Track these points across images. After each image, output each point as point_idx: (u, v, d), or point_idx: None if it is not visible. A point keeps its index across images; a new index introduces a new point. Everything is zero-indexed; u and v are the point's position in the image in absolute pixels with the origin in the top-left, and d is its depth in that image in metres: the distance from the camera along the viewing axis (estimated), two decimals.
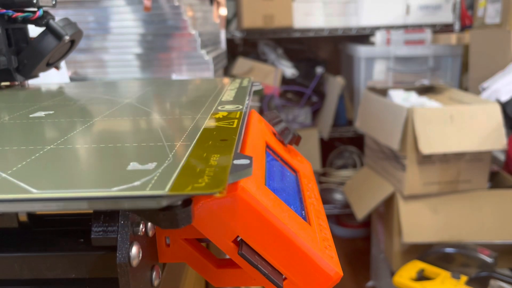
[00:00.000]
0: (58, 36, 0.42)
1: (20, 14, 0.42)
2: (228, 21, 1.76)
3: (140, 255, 0.19)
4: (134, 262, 0.19)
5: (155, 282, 0.21)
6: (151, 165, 0.18)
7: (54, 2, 0.44)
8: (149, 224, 0.21)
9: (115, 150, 0.21)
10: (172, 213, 0.16)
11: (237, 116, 0.27)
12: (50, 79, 0.57)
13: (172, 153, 0.20)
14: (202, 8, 0.95)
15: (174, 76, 0.81)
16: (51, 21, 0.42)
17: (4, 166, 0.19)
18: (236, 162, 0.19)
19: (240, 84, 0.41)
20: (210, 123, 0.26)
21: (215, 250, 0.32)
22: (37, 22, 0.42)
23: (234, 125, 0.25)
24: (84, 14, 0.79)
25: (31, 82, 0.47)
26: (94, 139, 0.24)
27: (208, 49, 0.86)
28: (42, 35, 0.43)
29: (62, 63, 0.63)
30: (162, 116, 0.29)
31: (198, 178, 0.16)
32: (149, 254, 0.21)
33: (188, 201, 0.17)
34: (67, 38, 0.43)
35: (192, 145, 0.21)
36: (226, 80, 0.45)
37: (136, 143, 0.22)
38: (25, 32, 0.45)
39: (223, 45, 1.16)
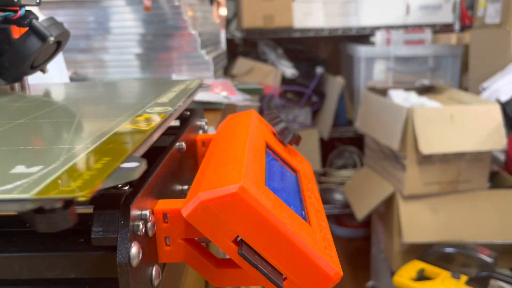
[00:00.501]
0: (42, 37, 0.39)
1: (0, 14, 0.39)
2: (228, 21, 1.76)
3: (140, 255, 0.19)
4: (134, 262, 0.19)
5: (155, 282, 0.21)
6: (35, 169, 0.18)
7: (38, 1, 0.41)
8: (149, 224, 0.21)
9: (13, 153, 0.21)
10: (47, 217, 0.16)
11: (160, 117, 0.27)
12: (50, 79, 0.57)
13: (65, 157, 0.20)
14: (202, 8, 0.95)
15: (174, 76, 0.81)
16: (34, 21, 0.39)
17: None
18: (123, 165, 0.18)
19: (187, 85, 0.40)
20: (125, 125, 0.25)
21: (215, 250, 0.32)
22: (19, 22, 0.39)
23: (148, 128, 0.24)
24: (84, 14, 0.79)
25: (31, 82, 0.47)
26: (2, 142, 0.23)
27: (208, 49, 0.86)
28: (24, 36, 0.40)
29: (62, 63, 0.62)
30: (85, 119, 0.29)
31: (72, 181, 0.16)
32: (149, 254, 0.21)
33: (68, 204, 0.17)
34: (51, 39, 0.40)
35: (91, 148, 0.21)
36: (173, 81, 0.43)
37: (38, 146, 0.22)
38: (7, 33, 0.42)
39: (223, 45, 1.17)
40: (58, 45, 0.45)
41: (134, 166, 0.18)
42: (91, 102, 0.36)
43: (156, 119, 0.27)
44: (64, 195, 0.15)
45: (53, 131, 0.26)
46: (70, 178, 0.17)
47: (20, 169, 0.18)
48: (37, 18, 0.40)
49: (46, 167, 0.18)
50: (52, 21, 0.41)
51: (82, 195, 0.15)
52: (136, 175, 0.18)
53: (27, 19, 0.39)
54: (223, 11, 1.14)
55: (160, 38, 0.80)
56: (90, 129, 0.26)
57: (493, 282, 0.96)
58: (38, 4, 0.42)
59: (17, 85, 0.45)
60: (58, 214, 0.16)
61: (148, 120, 0.27)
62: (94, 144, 0.22)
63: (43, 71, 0.46)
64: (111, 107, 0.33)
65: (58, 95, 0.42)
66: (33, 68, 0.44)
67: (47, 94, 0.42)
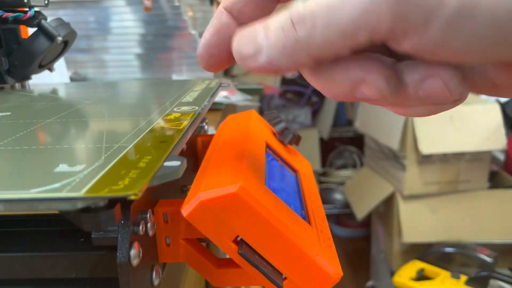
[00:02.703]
0: (51, 37, 0.41)
1: (10, 14, 0.40)
2: None
3: (141, 255, 0.19)
4: (135, 262, 0.19)
5: (155, 282, 0.21)
6: (79, 167, 0.18)
7: (46, 2, 0.43)
8: (149, 223, 0.21)
9: (52, 152, 0.21)
10: (93, 215, 0.16)
11: (189, 117, 0.27)
12: (51, 79, 0.58)
13: (106, 155, 0.20)
14: (202, 8, 0.95)
15: (174, 76, 0.81)
16: (43, 22, 0.41)
17: None
18: (166, 164, 0.18)
19: (207, 85, 0.40)
20: (158, 124, 0.26)
21: (215, 250, 0.32)
22: (28, 23, 0.41)
23: (181, 127, 0.25)
24: (84, 14, 0.79)
25: (31, 82, 0.47)
26: (36, 141, 0.24)
27: None
28: (33, 36, 0.41)
29: (62, 64, 0.63)
30: (114, 118, 0.29)
31: (119, 180, 0.16)
32: (149, 254, 0.21)
33: (113, 203, 0.17)
34: (59, 39, 0.41)
35: (129, 147, 0.21)
36: (193, 82, 0.44)
37: (76, 145, 0.22)
38: (16, 32, 0.43)
39: None
40: (65, 45, 0.46)
41: (177, 165, 0.18)
42: (114, 101, 0.36)
43: (187, 118, 0.27)
44: (115, 193, 0.15)
45: (86, 129, 0.26)
46: (117, 176, 0.17)
47: (63, 167, 0.18)
48: (45, 18, 0.42)
49: (89, 165, 0.18)
50: (60, 21, 0.43)
51: (134, 194, 0.15)
52: (179, 174, 0.18)
53: (36, 20, 0.41)
54: None
55: (160, 38, 0.80)
56: (122, 128, 0.26)
57: (492, 282, 0.96)
58: (46, 5, 0.43)
59: (17, 85, 0.45)
60: (104, 213, 0.16)
61: (178, 119, 0.27)
62: (131, 143, 0.22)
63: (51, 69, 0.48)
64: (136, 106, 0.34)
65: (76, 94, 0.42)
66: (41, 67, 0.45)
67: (66, 93, 0.43)
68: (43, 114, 0.31)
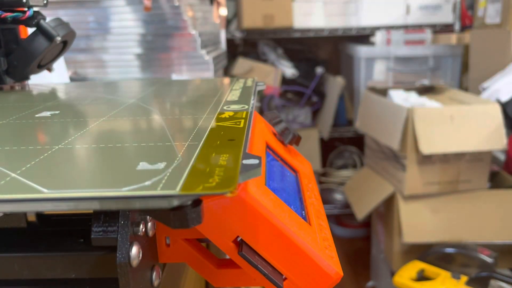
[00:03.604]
0: (49, 37, 0.41)
1: (9, 14, 0.40)
2: (228, 21, 1.76)
3: (140, 255, 0.19)
4: (134, 262, 0.19)
5: (155, 282, 0.21)
6: (160, 165, 0.18)
7: (45, 2, 0.42)
8: (149, 224, 0.21)
9: (123, 150, 0.21)
10: (182, 213, 0.16)
11: (243, 116, 0.27)
12: (51, 79, 0.57)
13: (181, 153, 0.20)
14: (202, 8, 0.95)
15: (174, 76, 0.81)
16: (42, 21, 0.41)
17: (14, 166, 0.19)
18: (245, 162, 0.19)
19: (244, 84, 0.41)
20: (216, 123, 0.26)
21: (215, 250, 0.32)
22: (27, 23, 0.41)
23: (241, 125, 0.25)
24: (84, 14, 0.79)
25: (31, 82, 0.47)
26: (101, 139, 0.24)
27: (208, 49, 0.86)
28: (32, 36, 0.41)
29: (62, 63, 0.63)
30: (167, 116, 0.29)
31: (208, 178, 0.16)
32: (149, 254, 0.21)
33: (197, 201, 0.17)
34: (58, 39, 0.41)
35: (200, 145, 0.21)
36: (227, 80, 0.45)
37: (144, 143, 0.22)
38: (15, 32, 0.43)
39: (223, 45, 1.16)
40: (64, 45, 0.45)
41: (256, 163, 0.18)
42: (156, 100, 0.36)
43: (241, 117, 0.27)
44: (210, 191, 0.15)
45: (147, 127, 0.26)
46: (204, 174, 0.17)
47: (145, 166, 0.18)
48: (44, 18, 0.41)
49: (170, 164, 0.18)
50: (59, 21, 0.43)
51: (230, 191, 0.15)
52: (261, 172, 0.18)
53: (35, 20, 0.41)
54: (223, 11, 1.14)
55: (160, 38, 0.80)
56: (181, 126, 0.26)
57: (493, 282, 0.96)
58: (45, 5, 0.43)
59: (17, 86, 0.45)
60: (192, 211, 0.16)
61: (233, 117, 0.27)
62: (199, 141, 0.22)
63: (50, 70, 0.47)
64: (184, 105, 0.34)
65: (106, 92, 0.42)
66: (40, 67, 0.45)
67: (96, 92, 0.42)
68: (92, 112, 0.31)
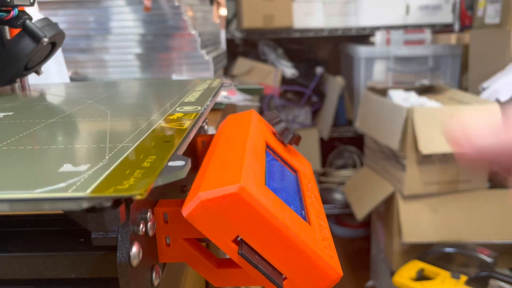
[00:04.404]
0: (36, 38, 0.38)
1: None
2: (228, 21, 1.76)
3: (140, 255, 0.19)
4: (134, 262, 0.19)
5: (155, 282, 0.21)
6: (83, 167, 0.18)
7: (31, 1, 0.40)
8: (149, 223, 0.21)
9: (54, 152, 0.21)
10: (99, 215, 0.16)
11: (192, 117, 0.27)
12: (50, 79, 0.58)
13: (110, 155, 0.20)
14: (202, 8, 0.95)
15: (174, 76, 0.81)
16: (27, 22, 0.38)
17: None
18: (170, 163, 0.18)
19: (209, 85, 0.40)
20: (161, 124, 0.26)
21: (215, 250, 0.32)
22: (12, 23, 0.38)
23: (184, 127, 0.25)
24: (84, 14, 0.79)
25: (31, 83, 0.47)
26: (40, 141, 0.24)
27: (208, 49, 0.86)
28: (18, 37, 0.39)
29: (62, 63, 0.63)
30: (117, 117, 0.29)
31: (124, 180, 0.16)
32: (149, 254, 0.21)
33: (117, 202, 0.17)
34: (45, 40, 0.39)
35: (133, 146, 0.21)
36: (197, 81, 0.44)
37: (79, 145, 0.22)
38: (1, 34, 0.41)
39: (223, 45, 1.17)
40: (53, 46, 0.44)
41: (181, 165, 0.18)
42: (116, 101, 0.36)
43: (189, 118, 0.27)
44: (120, 193, 0.15)
45: (89, 129, 0.27)
46: (122, 176, 0.17)
47: (68, 167, 0.18)
48: (30, 18, 0.39)
49: (94, 165, 0.18)
50: (46, 21, 0.41)
51: (139, 193, 0.15)
52: (184, 174, 0.18)
53: (20, 20, 0.39)
54: (223, 11, 1.14)
55: (160, 38, 0.80)
56: (125, 128, 0.26)
57: (492, 282, 0.96)
58: (31, 4, 0.41)
59: (17, 86, 0.45)
60: (109, 213, 0.16)
61: (181, 119, 0.27)
62: (135, 143, 0.22)
63: (38, 73, 0.45)
64: (138, 106, 0.34)
65: (77, 94, 0.42)
66: (27, 69, 0.43)
67: (66, 93, 0.42)
68: (45, 114, 0.31)
